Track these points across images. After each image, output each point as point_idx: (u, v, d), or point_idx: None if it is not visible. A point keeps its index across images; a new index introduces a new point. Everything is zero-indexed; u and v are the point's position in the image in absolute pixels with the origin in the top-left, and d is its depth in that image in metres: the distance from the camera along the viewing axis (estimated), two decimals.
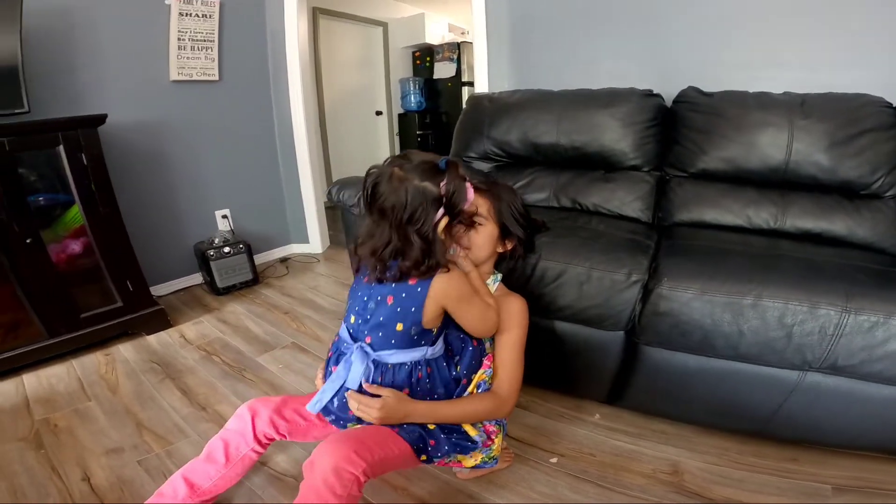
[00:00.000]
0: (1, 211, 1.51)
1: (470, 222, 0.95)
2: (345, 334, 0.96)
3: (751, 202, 1.40)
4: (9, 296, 1.60)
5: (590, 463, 1.17)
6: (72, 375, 1.65)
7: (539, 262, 1.17)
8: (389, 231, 0.82)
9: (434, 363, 0.92)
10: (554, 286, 1.16)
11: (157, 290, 2.26)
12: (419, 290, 0.84)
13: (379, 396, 0.87)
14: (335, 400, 0.92)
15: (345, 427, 0.95)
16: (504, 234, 1.05)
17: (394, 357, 0.89)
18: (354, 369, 0.89)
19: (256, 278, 2.42)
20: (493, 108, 1.84)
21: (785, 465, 1.14)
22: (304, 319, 2.04)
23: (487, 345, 1.01)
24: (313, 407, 0.92)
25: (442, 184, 0.81)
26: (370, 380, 0.89)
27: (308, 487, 0.76)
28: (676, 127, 1.54)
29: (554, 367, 1.32)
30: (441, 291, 0.85)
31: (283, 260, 2.81)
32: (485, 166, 1.88)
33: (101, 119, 1.70)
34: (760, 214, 1.39)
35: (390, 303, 0.86)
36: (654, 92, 1.61)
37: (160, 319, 1.96)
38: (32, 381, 1.62)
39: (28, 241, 1.58)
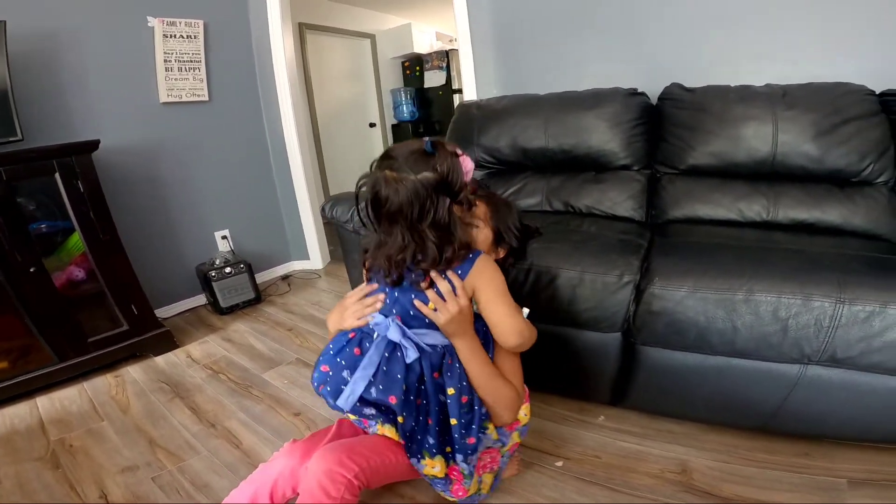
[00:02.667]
0: (3, 240, 1.54)
1: (469, 203, 0.87)
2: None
3: (742, 195, 1.41)
4: (17, 323, 1.62)
5: (596, 465, 1.16)
6: (83, 397, 1.68)
7: (532, 268, 1.18)
8: (402, 234, 0.79)
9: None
10: (548, 291, 1.17)
11: (163, 312, 2.27)
12: (459, 272, 0.83)
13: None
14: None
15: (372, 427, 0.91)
16: (497, 240, 1.04)
17: (428, 337, 0.85)
18: (392, 333, 0.83)
19: (259, 296, 2.44)
20: (482, 115, 1.86)
21: (797, 459, 1.12)
22: (308, 335, 2.05)
23: None
24: (346, 403, 0.81)
25: (437, 166, 0.77)
26: (408, 358, 0.83)
27: (303, 492, 0.77)
28: (663, 124, 1.55)
29: (555, 371, 1.32)
30: (481, 272, 0.83)
31: (285, 277, 2.82)
32: (477, 174, 1.90)
33: (94, 145, 1.72)
34: (752, 207, 1.39)
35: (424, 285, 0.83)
36: (639, 90, 1.62)
37: (167, 341, 1.98)
38: (46, 404, 1.65)
39: (32, 269, 1.60)
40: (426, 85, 4.73)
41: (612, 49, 1.86)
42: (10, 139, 1.65)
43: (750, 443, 1.18)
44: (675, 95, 1.53)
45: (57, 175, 1.64)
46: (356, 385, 0.81)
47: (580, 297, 1.13)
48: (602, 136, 1.57)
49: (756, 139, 1.35)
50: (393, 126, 4.85)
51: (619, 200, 1.55)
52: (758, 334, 0.99)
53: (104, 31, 2.01)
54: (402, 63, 4.86)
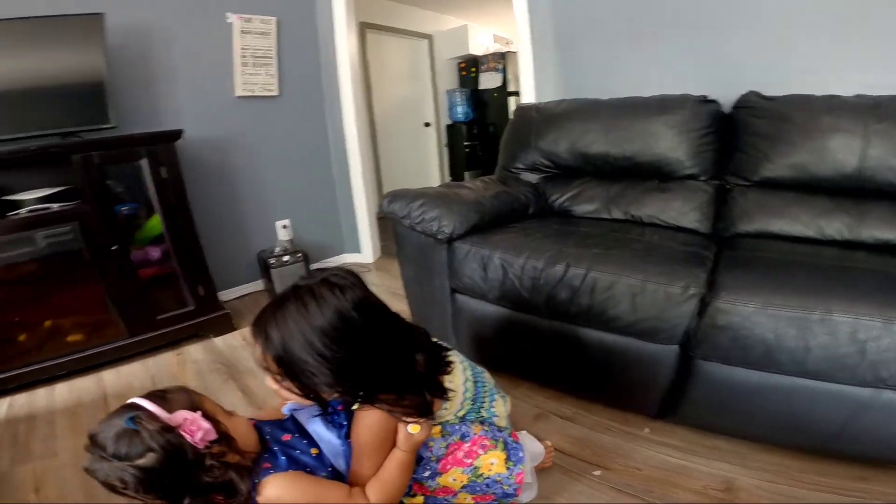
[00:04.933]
0: (92, 219, 1.68)
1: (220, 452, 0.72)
2: None
3: (823, 211, 1.33)
4: (97, 298, 1.77)
5: (635, 477, 1.13)
6: (147, 373, 1.79)
7: (589, 273, 1.16)
8: None
9: None
10: (604, 298, 1.15)
11: (223, 295, 2.41)
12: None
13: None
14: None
15: None
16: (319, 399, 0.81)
17: None
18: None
19: None
20: (541, 118, 1.85)
21: (852, 483, 1.05)
22: None
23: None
24: None
25: (149, 445, 0.64)
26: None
27: None
28: (737, 133, 1.48)
29: (601, 380, 1.30)
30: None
31: None
32: (533, 177, 1.89)
33: (178, 134, 1.85)
34: (833, 224, 1.31)
35: None
36: (710, 98, 1.56)
37: (226, 323, 2.09)
38: (112, 378, 1.76)
39: (114, 247, 1.74)
40: (481, 86, 4.75)
41: (679, 54, 1.79)
42: (104, 126, 1.81)
43: (802, 464, 1.12)
44: (752, 104, 1.46)
45: (144, 161, 1.78)
46: None
47: (639, 307, 1.11)
48: (668, 142, 1.52)
49: (843, 152, 1.27)
50: (447, 126, 4.90)
51: (684, 211, 1.50)
52: (832, 355, 0.93)
53: (190, 27, 2.17)
54: (459, 64, 4.91)
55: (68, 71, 1.72)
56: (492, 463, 0.91)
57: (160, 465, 0.63)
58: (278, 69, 2.48)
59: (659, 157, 1.55)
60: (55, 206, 1.66)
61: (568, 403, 1.41)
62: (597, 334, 1.22)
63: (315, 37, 2.64)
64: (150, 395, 0.72)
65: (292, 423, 0.89)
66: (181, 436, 0.66)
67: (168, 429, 0.66)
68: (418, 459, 0.89)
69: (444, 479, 0.91)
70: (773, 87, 1.48)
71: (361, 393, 0.80)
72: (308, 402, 0.81)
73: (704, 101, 1.55)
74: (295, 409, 0.90)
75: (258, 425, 0.86)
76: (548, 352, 1.35)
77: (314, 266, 2.72)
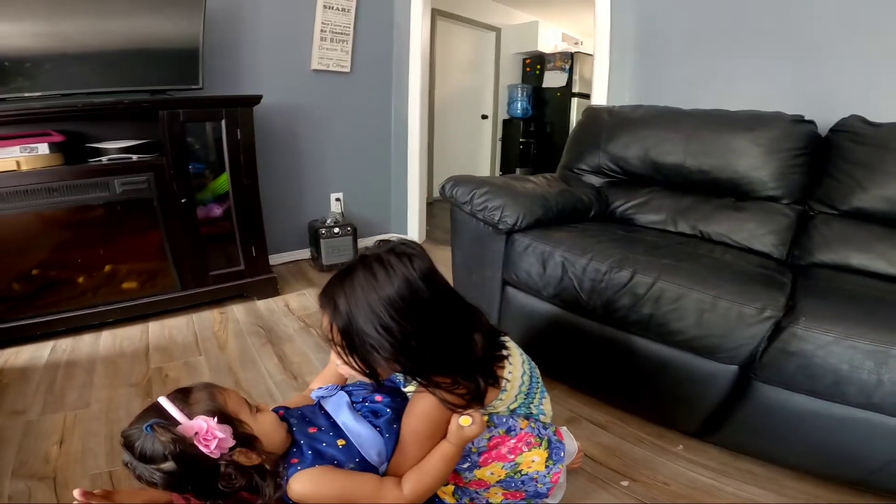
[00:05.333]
0: (167, 171, 1.77)
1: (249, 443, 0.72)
2: None
3: None
4: (157, 247, 1.84)
5: (662, 492, 1.11)
6: (190, 329, 1.83)
7: (657, 283, 1.13)
8: None
9: None
10: (668, 310, 1.11)
11: (271, 259, 2.47)
12: None
13: None
14: None
15: None
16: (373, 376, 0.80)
17: None
18: None
19: None
20: (613, 121, 1.80)
21: None
22: None
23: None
24: None
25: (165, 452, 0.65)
26: None
27: None
28: (831, 158, 1.39)
29: (644, 391, 1.27)
30: None
31: None
32: (597, 181, 1.85)
33: (257, 99, 1.92)
34: None
35: None
36: (806, 118, 1.47)
37: (271, 287, 2.14)
38: (156, 330, 1.81)
39: (183, 200, 1.82)
40: (545, 85, 4.68)
41: (773, 70, 1.70)
42: (193, 87, 1.89)
43: (833, 495, 1.09)
44: (853, 128, 1.37)
45: (223, 122, 1.85)
46: None
47: (706, 323, 1.07)
48: (753, 161, 1.45)
49: None
50: (504, 121, 4.86)
51: (759, 234, 1.43)
52: None
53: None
54: (524, 60, 4.85)
55: (169, 34, 1.81)
56: (533, 460, 0.90)
57: (179, 471, 0.65)
58: (353, 47, 2.52)
59: (740, 174, 1.48)
60: (134, 157, 1.75)
61: (602, 411, 1.39)
62: (651, 345, 1.19)
63: (391, 19, 2.68)
64: (174, 396, 0.72)
65: (320, 412, 0.89)
66: (194, 446, 0.65)
67: (181, 439, 0.65)
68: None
69: (481, 473, 0.89)
70: (871, 112, 1.39)
71: (418, 374, 0.78)
72: (366, 379, 0.81)
73: (801, 120, 1.46)
74: (322, 398, 0.90)
75: (285, 417, 0.86)
76: (594, 357, 1.33)
77: (360, 241, 2.78)
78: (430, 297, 0.76)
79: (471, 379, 0.80)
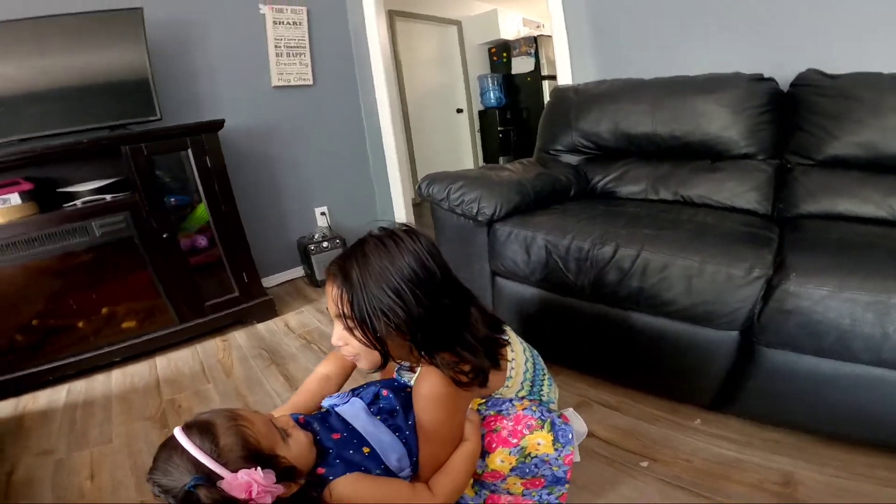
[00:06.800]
0: (143, 208, 1.74)
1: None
2: None
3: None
4: (148, 284, 1.83)
5: (685, 469, 1.07)
6: (195, 359, 1.85)
7: (640, 254, 1.12)
8: None
9: None
10: (656, 280, 1.10)
11: (265, 282, 2.46)
12: None
13: None
14: None
15: None
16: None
17: None
18: None
19: None
20: (580, 99, 1.79)
21: None
22: None
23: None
24: None
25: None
26: None
27: None
28: (798, 112, 1.39)
29: (649, 367, 1.26)
30: None
31: None
32: (573, 159, 1.84)
33: (220, 124, 1.89)
34: None
35: None
36: (765, 76, 1.46)
37: (268, 309, 2.14)
38: (163, 364, 1.82)
39: (164, 235, 1.80)
40: (514, 71, 4.67)
41: (725, 34, 1.68)
42: (151, 118, 1.87)
43: (869, 458, 1.04)
44: (813, 82, 1.37)
45: (189, 151, 1.83)
46: None
47: (696, 290, 1.06)
48: (721, 122, 1.44)
49: None
50: (480, 112, 4.85)
51: (740, 191, 1.42)
52: None
53: (224, 19, 2.22)
54: (489, 49, 4.83)
55: (113, 65, 1.79)
56: (538, 443, 0.88)
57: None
58: (311, 59, 2.50)
59: (711, 136, 1.48)
60: (108, 196, 1.72)
61: (611, 392, 1.37)
62: (647, 319, 1.17)
63: (346, 26, 2.65)
64: (197, 436, 0.63)
65: (337, 420, 0.86)
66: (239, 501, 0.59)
67: (228, 500, 0.59)
68: None
69: (491, 461, 0.89)
70: (828, 66, 1.38)
71: (425, 347, 0.77)
72: (369, 365, 0.82)
73: (760, 79, 1.46)
74: (335, 406, 0.89)
75: (307, 424, 0.82)
76: (592, 337, 1.32)
77: None
78: (438, 269, 0.77)
79: (474, 354, 0.80)
